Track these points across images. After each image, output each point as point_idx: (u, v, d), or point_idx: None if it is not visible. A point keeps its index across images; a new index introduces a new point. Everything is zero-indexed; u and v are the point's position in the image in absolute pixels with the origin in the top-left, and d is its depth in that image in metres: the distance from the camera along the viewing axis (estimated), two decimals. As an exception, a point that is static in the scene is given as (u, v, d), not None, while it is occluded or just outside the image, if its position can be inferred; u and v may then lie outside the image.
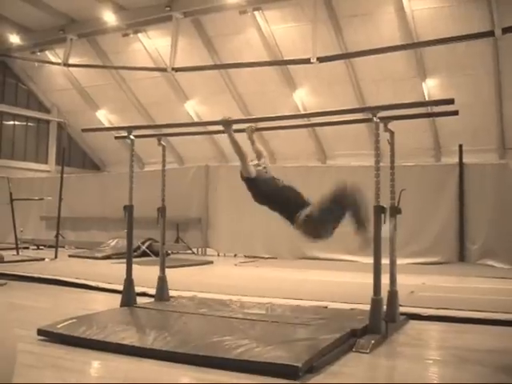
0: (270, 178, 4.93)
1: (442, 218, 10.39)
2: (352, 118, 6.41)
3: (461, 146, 10.78)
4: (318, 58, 15.33)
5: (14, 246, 11.58)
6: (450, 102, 4.44)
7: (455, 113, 4.94)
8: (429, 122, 17.28)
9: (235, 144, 4.82)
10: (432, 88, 16.97)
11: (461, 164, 10.56)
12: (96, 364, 3.76)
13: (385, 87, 17.05)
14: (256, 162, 5.00)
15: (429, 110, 12.95)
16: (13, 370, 2.66)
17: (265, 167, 5.03)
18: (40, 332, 4.17)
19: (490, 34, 14.01)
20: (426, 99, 16.46)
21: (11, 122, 23.16)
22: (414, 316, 5.08)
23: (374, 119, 4.49)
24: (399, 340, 4.34)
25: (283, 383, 3.20)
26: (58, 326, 4.26)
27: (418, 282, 7.22)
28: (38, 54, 20.83)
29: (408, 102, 4.85)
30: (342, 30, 16.55)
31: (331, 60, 15.84)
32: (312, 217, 4.53)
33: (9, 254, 10.78)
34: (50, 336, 4.15)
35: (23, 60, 21.34)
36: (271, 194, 4.83)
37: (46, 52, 20.97)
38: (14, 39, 19.77)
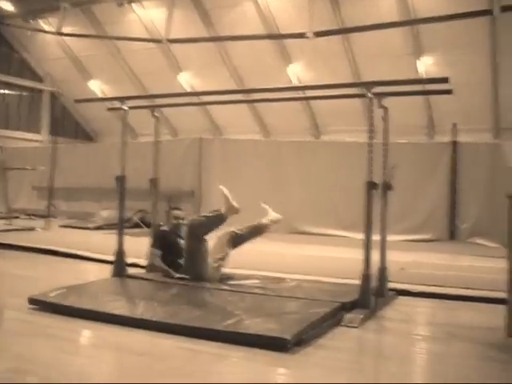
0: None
1: (434, 195, 10.40)
2: (346, 93, 6.39)
3: (455, 125, 10.77)
4: (314, 33, 15.19)
5: (5, 215, 11.57)
6: (445, 80, 4.43)
7: (449, 91, 4.91)
8: (423, 99, 17.21)
9: None
10: (428, 66, 16.86)
11: (454, 142, 10.55)
12: (87, 333, 3.78)
13: (380, 63, 16.91)
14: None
15: (424, 87, 12.94)
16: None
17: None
18: (31, 301, 4.19)
19: (489, 12, 13.89)
20: (422, 77, 16.37)
21: (4, 91, 22.92)
22: (403, 292, 5.12)
23: (368, 95, 4.47)
24: (388, 315, 4.39)
25: (272, 355, 3.23)
26: (49, 295, 4.28)
27: (409, 259, 7.25)
28: (31, 22, 20.53)
29: (402, 79, 4.81)
30: (340, 4, 16.36)
31: (328, 35, 15.69)
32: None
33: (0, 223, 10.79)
34: (40, 305, 4.18)
35: (16, 28, 21.03)
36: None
37: (39, 20, 20.67)
38: (7, 6, 19.46)
